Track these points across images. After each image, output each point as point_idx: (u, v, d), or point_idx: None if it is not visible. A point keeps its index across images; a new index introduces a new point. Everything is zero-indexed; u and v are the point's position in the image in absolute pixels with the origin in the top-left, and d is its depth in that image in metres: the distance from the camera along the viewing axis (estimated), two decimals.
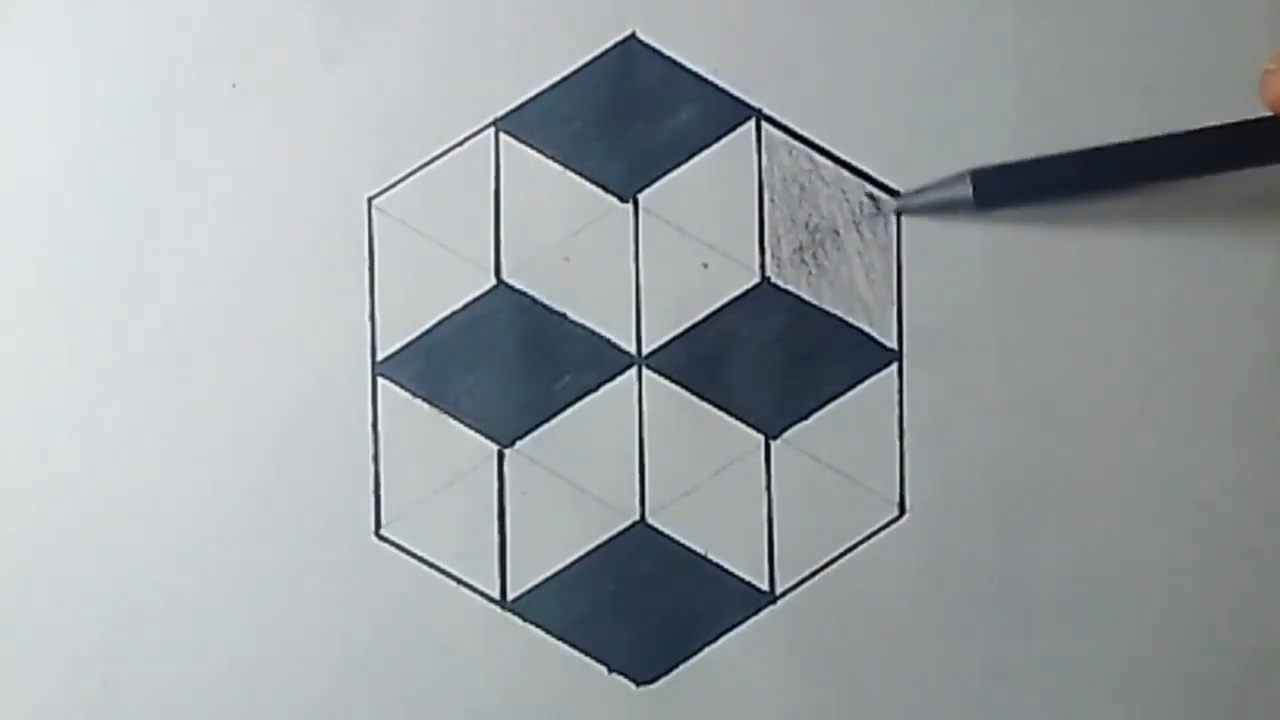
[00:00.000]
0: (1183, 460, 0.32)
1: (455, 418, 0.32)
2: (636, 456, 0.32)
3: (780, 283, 0.32)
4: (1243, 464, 0.32)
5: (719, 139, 0.32)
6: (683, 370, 0.32)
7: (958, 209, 0.31)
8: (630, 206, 0.32)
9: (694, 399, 0.32)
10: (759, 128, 0.32)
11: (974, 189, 0.30)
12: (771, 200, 0.32)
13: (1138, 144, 0.30)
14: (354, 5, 0.32)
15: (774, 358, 0.32)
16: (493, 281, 0.32)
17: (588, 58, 0.32)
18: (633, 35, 0.32)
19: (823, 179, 0.32)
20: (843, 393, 0.32)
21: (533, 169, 0.32)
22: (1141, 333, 0.32)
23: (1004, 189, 0.31)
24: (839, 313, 0.32)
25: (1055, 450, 0.32)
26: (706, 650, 0.32)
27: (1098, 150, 0.30)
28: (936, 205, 0.31)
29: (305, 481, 0.32)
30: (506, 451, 0.32)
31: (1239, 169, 0.29)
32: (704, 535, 0.32)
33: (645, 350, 0.32)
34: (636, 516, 0.32)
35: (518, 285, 0.32)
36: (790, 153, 0.32)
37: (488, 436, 0.32)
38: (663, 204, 0.32)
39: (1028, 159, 0.31)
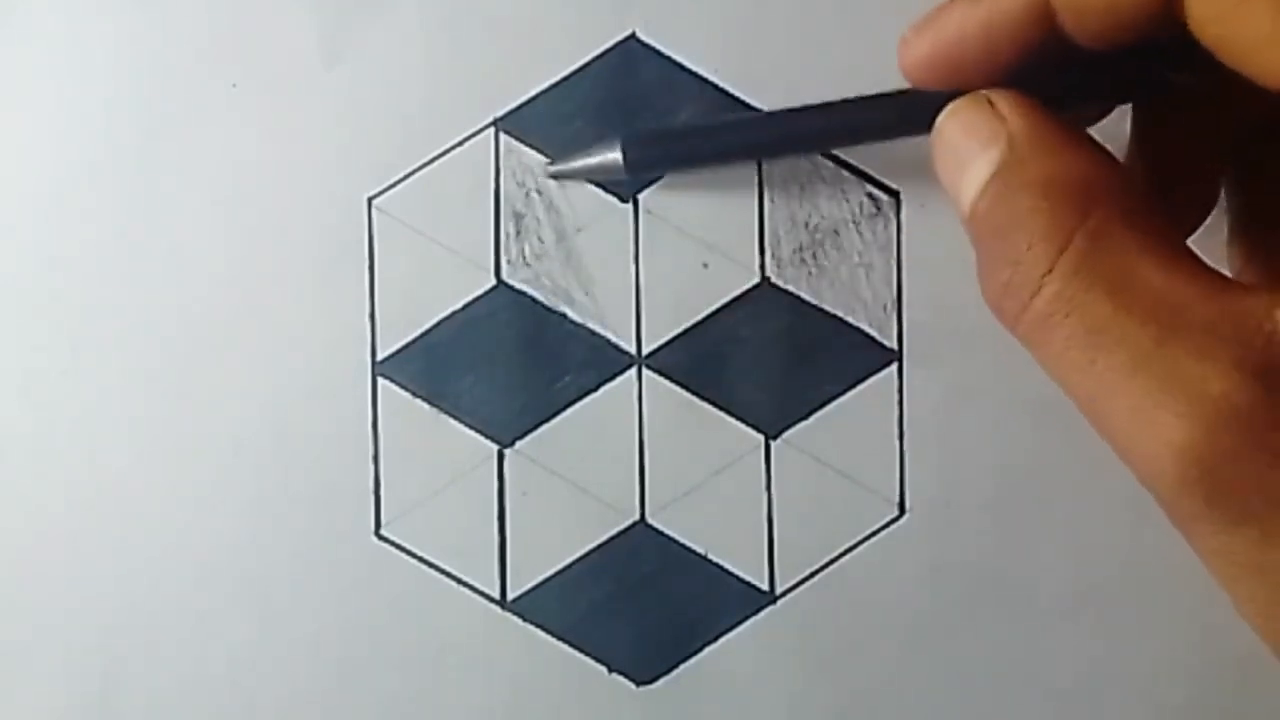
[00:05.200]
0: None
1: (455, 418, 0.32)
2: (636, 456, 0.32)
3: (780, 283, 0.32)
4: None
5: None
6: (683, 370, 0.32)
7: (610, 173, 0.31)
8: (630, 206, 0.32)
9: (694, 399, 0.32)
10: None
11: (624, 155, 0.30)
12: (771, 200, 0.32)
13: (789, 113, 0.29)
14: (354, 5, 0.32)
15: (774, 358, 0.32)
16: (493, 281, 0.32)
17: (588, 58, 0.32)
18: (633, 35, 0.32)
19: (823, 179, 0.32)
20: (843, 393, 0.32)
21: (533, 169, 0.32)
22: None
23: (653, 155, 0.31)
24: (839, 313, 0.32)
25: (1055, 450, 0.32)
26: (706, 650, 0.32)
27: (749, 120, 0.31)
28: (587, 170, 0.31)
29: (305, 481, 0.32)
30: (506, 451, 0.32)
31: (888, 139, 0.28)
32: (704, 535, 0.32)
33: (645, 350, 0.32)
34: (636, 516, 0.32)
35: (518, 285, 0.32)
36: None
37: (488, 436, 0.32)
38: (663, 204, 0.32)
39: (678, 126, 0.31)
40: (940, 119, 0.24)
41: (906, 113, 0.26)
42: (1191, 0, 0.21)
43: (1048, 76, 0.23)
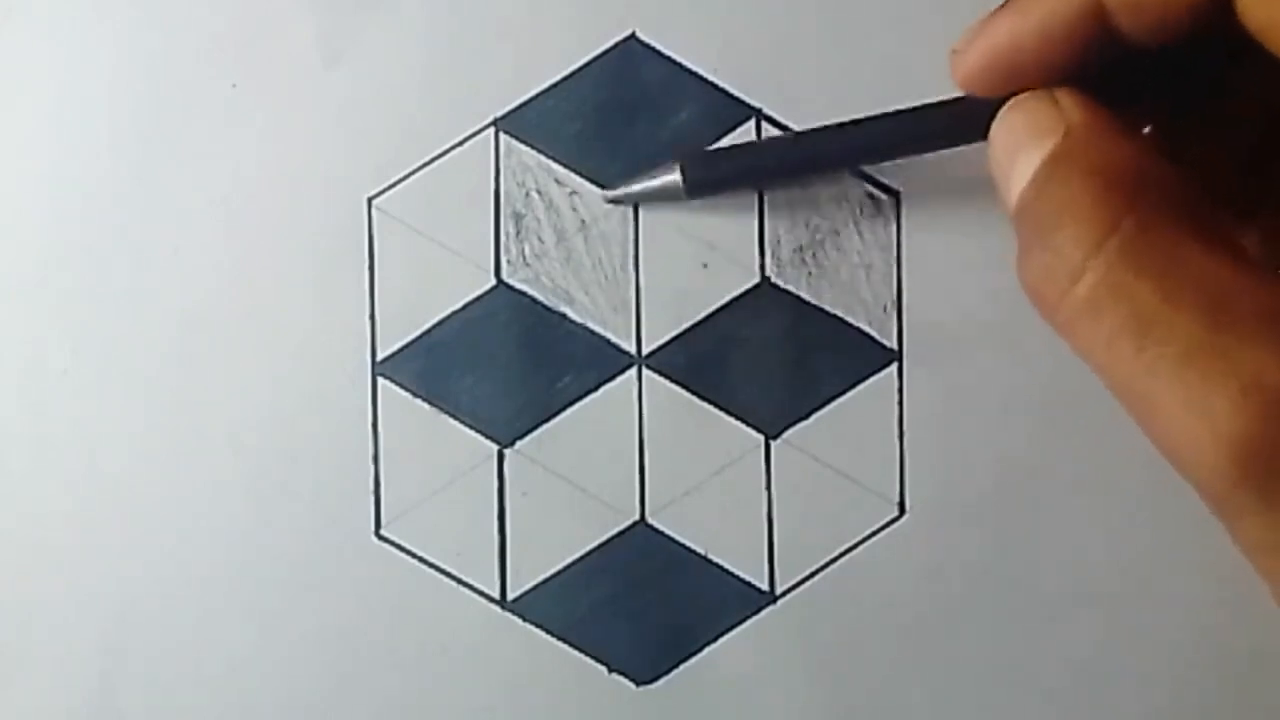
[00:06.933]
0: None
1: (455, 418, 0.32)
2: (636, 456, 0.32)
3: (780, 283, 0.32)
4: None
5: (719, 139, 0.32)
6: (683, 370, 0.32)
7: (670, 196, 0.31)
8: (630, 206, 0.32)
9: (694, 399, 0.32)
10: (759, 128, 0.32)
11: (683, 176, 0.30)
12: (771, 200, 0.32)
13: (841, 127, 0.30)
14: (354, 5, 0.32)
15: (774, 358, 0.32)
16: (493, 281, 0.32)
17: (588, 58, 0.32)
18: (633, 35, 0.32)
19: (823, 179, 0.32)
20: (843, 393, 0.32)
21: (533, 169, 0.32)
22: None
23: (713, 175, 0.31)
24: (839, 313, 0.32)
25: (1055, 450, 0.32)
26: (706, 650, 0.32)
27: (804, 134, 0.31)
28: (646, 194, 0.31)
29: (305, 481, 0.32)
30: (506, 451, 0.32)
31: (943, 149, 0.28)
32: (704, 535, 0.32)
33: (645, 350, 0.32)
34: (636, 516, 0.32)
35: (518, 285, 0.32)
36: None
37: (488, 436, 0.32)
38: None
39: (735, 145, 0.31)
40: (1003, 111, 0.24)
41: (962, 119, 0.26)
42: None
43: (1101, 79, 0.23)
